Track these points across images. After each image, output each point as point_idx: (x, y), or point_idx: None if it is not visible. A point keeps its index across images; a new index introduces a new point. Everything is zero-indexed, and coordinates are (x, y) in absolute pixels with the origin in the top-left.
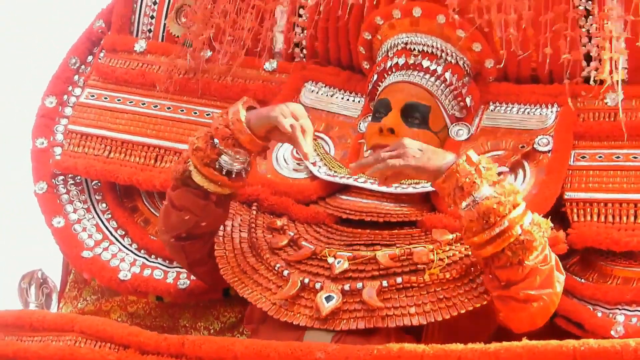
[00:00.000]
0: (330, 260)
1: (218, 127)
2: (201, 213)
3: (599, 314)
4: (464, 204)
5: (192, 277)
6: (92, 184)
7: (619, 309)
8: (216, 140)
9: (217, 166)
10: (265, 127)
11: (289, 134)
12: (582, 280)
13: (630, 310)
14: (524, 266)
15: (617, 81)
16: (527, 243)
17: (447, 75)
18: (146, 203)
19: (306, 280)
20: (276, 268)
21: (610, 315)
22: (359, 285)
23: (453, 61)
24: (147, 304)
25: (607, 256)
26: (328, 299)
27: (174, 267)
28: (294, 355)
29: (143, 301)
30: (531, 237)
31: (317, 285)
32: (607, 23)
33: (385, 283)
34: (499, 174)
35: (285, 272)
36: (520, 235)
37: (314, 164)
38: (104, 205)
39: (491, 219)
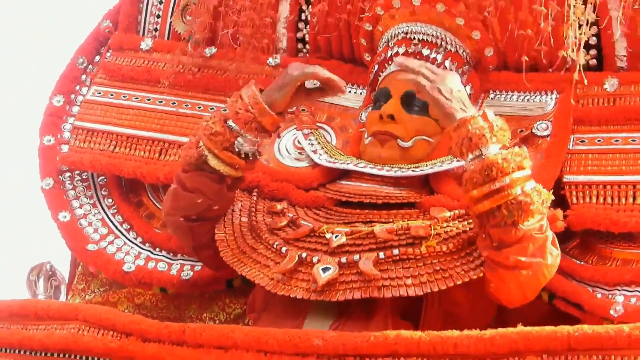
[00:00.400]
0: (328, 235)
1: (238, 111)
2: (215, 197)
3: (599, 295)
4: (470, 155)
5: (196, 268)
6: (99, 179)
7: (619, 290)
8: (232, 124)
9: (236, 150)
10: (287, 97)
11: (320, 74)
12: (582, 263)
13: (629, 291)
14: (517, 228)
15: (578, 64)
16: (524, 205)
17: (447, 63)
18: (151, 198)
19: (304, 255)
20: (275, 246)
21: (610, 296)
22: (356, 257)
23: (453, 50)
24: (153, 295)
25: (606, 239)
26: (325, 270)
27: (178, 260)
28: (293, 342)
29: (150, 293)
30: (530, 200)
31: (315, 259)
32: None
33: (382, 255)
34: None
35: (284, 249)
36: (519, 195)
37: (314, 151)
38: (109, 200)
39: (493, 172)
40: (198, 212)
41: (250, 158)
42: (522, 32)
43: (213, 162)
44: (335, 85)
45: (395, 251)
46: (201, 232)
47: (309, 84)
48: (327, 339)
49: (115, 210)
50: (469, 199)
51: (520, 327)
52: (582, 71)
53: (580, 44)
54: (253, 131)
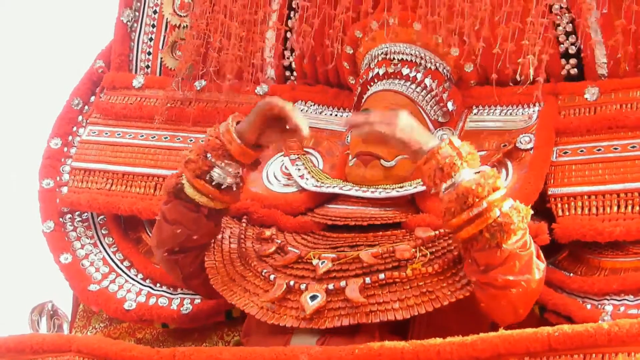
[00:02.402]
0: (315, 262)
1: (209, 138)
2: (192, 226)
3: (588, 306)
4: (444, 186)
5: (195, 301)
6: (98, 219)
7: (607, 299)
8: (209, 154)
9: (207, 178)
10: (256, 128)
11: (285, 111)
12: (571, 275)
13: (617, 300)
14: (502, 249)
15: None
16: (505, 226)
17: (427, 81)
18: (149, 233)
19: (292, 283)
20: (263, 273)
21: (599, 306)
22: (343, 283)
23: (433, 67)
24: (154, 329)
25: (594, 249)
26: (313, 298)
27: (178, 294)
28: (279, 359)
29: (150, 327)
30: (509, 220)
31: (302, 287)
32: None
33: (368, 280)
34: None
35: (272, 277)
36: (498, 217)
37: (301, 176)
38: (110, 239)
39: (469, 199)
40: (179, 243)
41: (223, 188)
42: (500, 47)
43: (188, 190)
44: (297, 129)
45: (382, 275)
46: (186, 263)
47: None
48: (312, 354)
49: (116, 249)
50: (450, 227)
51: (501, 331)
52: (564, 81)
53: (542, 62)
54: (221, 159)
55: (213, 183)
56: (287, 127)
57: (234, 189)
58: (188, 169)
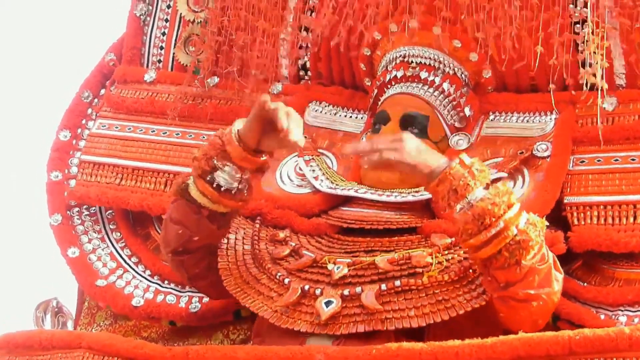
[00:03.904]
0: (330, 266)
1: (213, 138)
2: (194, 227)
3: (602, 317)
4: (458, 206)
5: (204, 300)
6: (106, 213)
7: (622, 310)
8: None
9: (209, 179)
10: (254, 131)
11: (270, 110)
12: (585, 284)
13: (632, 311)
14: (521, 266)
15: (603, 88)
16: (523, 243)
17: (445, 85)
18: (158, 230)
19: (306, 287)
20: (277, 277)
21: (613, 316)
22: (358, 289)
23: (451, 72)
24: (159, 327)
25: (609, 259)
26: (328, 303)
27: (186, 292)
28: (295, 358)
29: (156, 325)
30: (527, 237)
31: (317, 292)
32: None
33: (384, 286)
34: (498, 179)
35: (286, 280)
36: (516, 235)
37: (316, 178)
38: (118, 234)
39: (486, 220)
40: (182, 244)
41: (223, 190)
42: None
43: (192, 190)
44: (281, 125)
45: (397, 282)
46: (191, 264)
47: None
48: (329, 353)
49: (124, 244)
50: (467, 247)
51: (521, 334)
52: (581, 91)
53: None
54: (221, 160)
55: (214, 184)
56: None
57: (235, 192)
58: (193, 167)
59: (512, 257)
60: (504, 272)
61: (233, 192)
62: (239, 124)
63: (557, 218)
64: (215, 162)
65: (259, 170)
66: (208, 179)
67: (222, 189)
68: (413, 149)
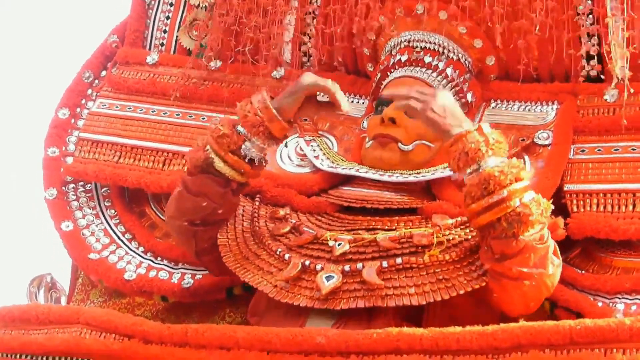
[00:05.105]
0: (331, 243)
1: (247, 114)
2: (219, 200)
3: (600, 304)
4: (468, 170)
5: (197, 276)
6: (102, 190)
7: (619, 298)
8: (240, 128)
9: (242, 153)
10: (295, 105)
11: (329, 87)
12: (583, 272)
13: (629, 299)
14: (518, 240)
15: (625, 77)
16: (523, 216)
17: (449, 70)
18: (153, 208)
19: (307, 263)
20: (277, 252)
21: (611, 304)
22: (359, 265)
23: (455, 57)
24: (154, 306)
25: (606, 247)
26: (328, 278)
27: (179, 268)
28: (295, 340)
29: (150, 303)
30: (528, 212)
31: (318, 267)
32: (612, 21)
33: (385, 263)
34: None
35: (287, 256)
36: (517, 207)
37: (316, 157)
38: (112, 211)
39: (490, 185)
40: (202, 216)
41: (256, 164)
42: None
43: (219, 165)
44: (337, 105)
45: (399, 260)
46: (204, 237)
47: (320, 97)
48: (329, 336)
49: (118, 221)
50: (469, 212)
51: (522, 322)
52: (584, 82)
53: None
54: (260, 136)
55: (246, 159)
56: (328, 101)
57: (263, 163)
58: (220, 143)
59: (510, 228)
60: (501, 243)
61: (263, 162)
62: (267, 99)
63: (557, 206)
64: (247, 135)
65: (283, 139)
66: (242, 154)
67: (254, 161)
68: (440, 107)
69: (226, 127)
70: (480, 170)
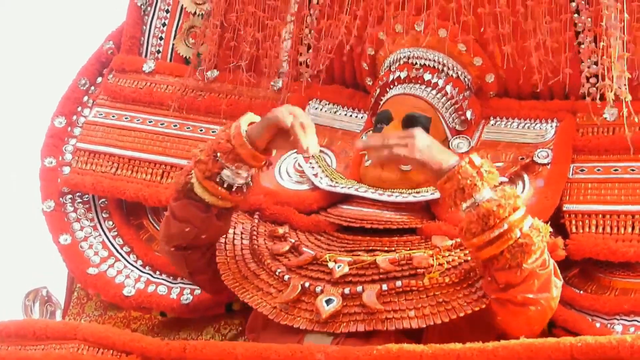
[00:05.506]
0: (331, 265)
1: (220, 141)
2: (202, 225)
3: (598, 325)
4: (464, 205)
5: (196, 292)
6: (99, 202)
7: (617, 319)
8: (219, 154)
9: (218, 179)
10: (265, 136)
11: (288, 128)
12: (581, 292)
13: (628, 320)
14: (522, 269)
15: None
16: (525, 246)
17: (448, 88)
18: (151, 221)
19: (307, 285)
20: (277, 273)
21: (609, 325)
22: (359, 288)
23: (454, 75)
24: (149, 320)
25: (605, 268)
26: (328, 302)
27: (178, 283)
28: (294, 356)
29: (146, 317)
30: (530, 241)
31: (318, 289)
32: (610, 40)
33: (385, 286)
34: (500, 183)
35: (286, 277)
36: (519, 238)
37: (315, 175)
38: (110, 223)
39: (491, 221)
40: (187, 241)
41: (234, 190)
42: (523, 61)
43: (198, 190)
44: (300, 147)
45: (398, 283)
46: (194, 259)
47: None
48: (329, 353)
49: (116, 233)
50: (470, 246)
51: (522, 339)
52: (583, 100)
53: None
54: (232, 162)
55: (224, 185)
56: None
57: (244, 189)
58: (198, 169)
59: (513, 259)
60: (505, 274)
61: (243, 188)
62: (244, 125)
63: (556, 225)
64: (223, 162)
65: (265, 165)
66: (217, 180)
67: (233, 188)
68: (424, 145)
69: (204, 153)
70: (477, 204)
